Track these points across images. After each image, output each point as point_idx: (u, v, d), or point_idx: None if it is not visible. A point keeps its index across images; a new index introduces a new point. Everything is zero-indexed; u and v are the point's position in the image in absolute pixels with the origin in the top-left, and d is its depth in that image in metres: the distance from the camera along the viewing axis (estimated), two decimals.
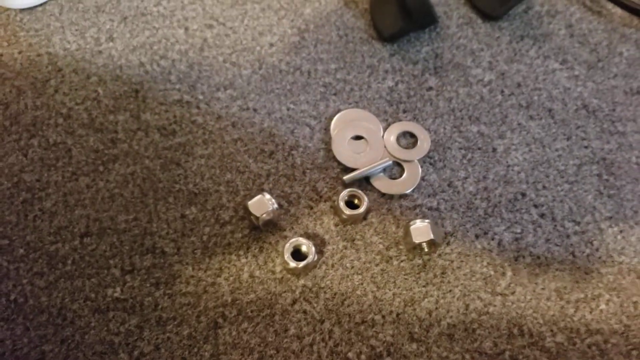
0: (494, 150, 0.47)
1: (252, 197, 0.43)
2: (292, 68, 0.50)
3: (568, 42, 0.51)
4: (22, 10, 0.51)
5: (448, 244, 0.45)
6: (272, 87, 0.49)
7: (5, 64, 0.49)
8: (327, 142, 0.47)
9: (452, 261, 0.44)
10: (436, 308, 0.43)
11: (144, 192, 0.45)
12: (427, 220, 0.43)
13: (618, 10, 0.53)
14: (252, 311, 0.42)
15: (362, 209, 0.44)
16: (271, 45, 0.51)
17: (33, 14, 0.51)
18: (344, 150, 0.47)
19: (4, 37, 0.50)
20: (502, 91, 0.49)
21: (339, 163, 0.47)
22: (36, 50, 0.50)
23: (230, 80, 0.49)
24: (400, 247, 0.44)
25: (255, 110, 0.48)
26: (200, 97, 0.48)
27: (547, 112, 0.49)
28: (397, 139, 0.48)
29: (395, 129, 0.48)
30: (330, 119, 0.48)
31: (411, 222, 0.43)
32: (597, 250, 0.45)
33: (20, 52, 0.50)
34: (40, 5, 0.51)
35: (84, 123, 0.47)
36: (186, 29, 0.51)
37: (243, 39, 0.51)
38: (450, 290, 0.43)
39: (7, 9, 0.51)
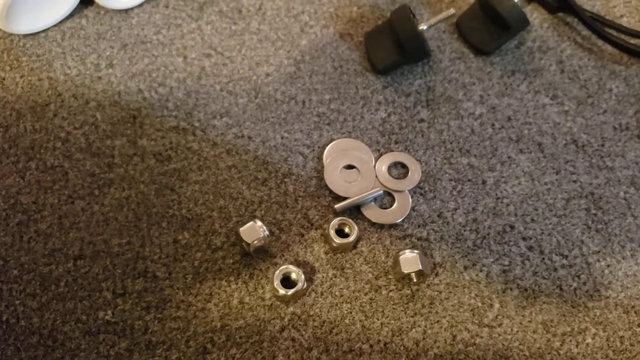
0: (484, 182, 0.48)
1: (244, 223, 0.44)
2: (287, 97, 0.51)
3: (559, 78, 0.52)
4: (25, 35, 0.52)
5: (437, 274, 0.45)
6: (267, 116, 0.50)
7: (7, 88, 0.50)
8: (320, 171, 0.48)
9: (441, 292, 0.45)
10: (424, 338, 0.43)
11: (138, 216, 0.46)
12: (416, 251, 0.44)
13: (608, 48, 0.54)
14: (240, 337, 0.43)
15: (352, 238, 0.45)
16: (267, 75, 0.52)
17: (35, 39, 0.52)
18: (336, 179, 0.48)
19: (7, 62, 0.51)
20: (493, 125, 0.50)
21: (331, 191, 0.47)
22: (37, 75, 0.51)
23: (227, 108, 0.50)
24: (389, 276, 0.45)
25: (250, 138, 0.49)
26: (197, 124, 0.49)
27: (537, 146, 0.50)
28: (389, 169, 0.48)
29: (387, 159, 0.49)
30: (323, 148, 0.49)
31: (400, 252, 0.44)
32: (584, 284, 0.45)
33: (21, 77, 0.51)
34: (43, 31, 0.52)
35: (82, 147, 0.48)
36: (185, 57, 0.52)
37: (240, 69, 0.52)
38: (437, 321, 0.44)
39: (11, 34, 0.52)
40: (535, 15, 0.55)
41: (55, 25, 0.53)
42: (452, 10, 0.50)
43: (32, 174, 0.47)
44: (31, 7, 0.51)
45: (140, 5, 0.54)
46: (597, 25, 0.54)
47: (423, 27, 0.50)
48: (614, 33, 0.54)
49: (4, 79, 0.51)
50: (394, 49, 0.51)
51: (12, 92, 0.50)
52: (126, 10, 0.54)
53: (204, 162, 0.48)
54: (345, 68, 0.52)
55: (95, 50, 0.52)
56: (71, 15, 0.53)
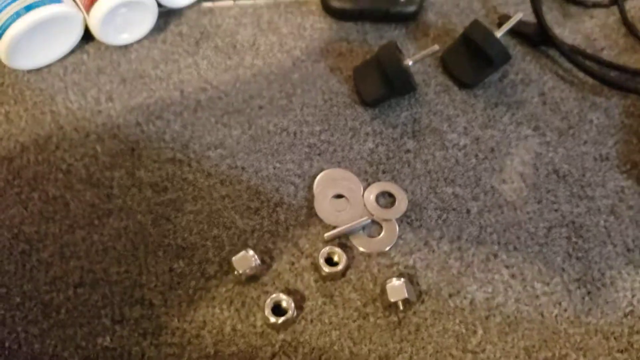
0: (468, 211, 0.50)
1: (237, 252, 0.46)
2: (279, 129, 0.53)
3: (540, 110, 0.54)
4: (29, 71, 0.55)
5: (422, 302, 0.47)
6: (260, 147, 0.52)
7: (11, 121, 0.52)
8: (310, 200, 0.50)
9: (426, 319, 0.46)
10: None
11: (135, 245, 0.48)
12: (402, 279, 0.45)
13: (589, 80, 0.56)
14: None
15: (340, 266, 0.47)
16: (260, 107, 0.54)
17: (39, 74, 0.55)
18: (326, 208, 0.50)
19: (12, 96, 0.53)
20: (477, 155, 0.52)
21: (321, 220, 0.49)
22: (40, 109, 0.53)
23: (221, 140, 0.52)
24: (377, 304, 0.47)
25: (243, 168, 0.51)
26: (192, 155, 0.51)
27: (519, 176, 0.52)
28: (377, 199, 0.50)
29: (375, 188, 0.51)
30: (314, 177, 0.51)
31: (387, 281, 0.46)
32: (565, 310, 0.47)
33: (25, 110, 0.53)
34: (46, 66, 0.55)
35: (82, 178, 0.50)
36: (181, 91, 0.54)
37: (234, 102, 0.54)
38: (423, 347, 0.45)
39: (15, 70, 0.54)
40: (518, 49, 0.57)
41: (58, 61, 0.55)
42: (436, 47, 0.52)
43: (35, 204, 0.49)
44: (35, 45, 0.53)
45: (139, 41, 0.56)
46: (577, 58, 0.56)
47: (408, 62, 0.52)
48: (595, 66, 0.56)
49: (8, 112, 0.53)
50: (382, 83, 0.53)
51: (16, 125, 0.52)
52: (125, 46, 0.56)
53: (198, 193, 0.50)
54: (335, 101, 0.54)
55: (95, 84, 0.54)
56: (73, 51, 0.56)
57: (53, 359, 0.44)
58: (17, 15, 0.50)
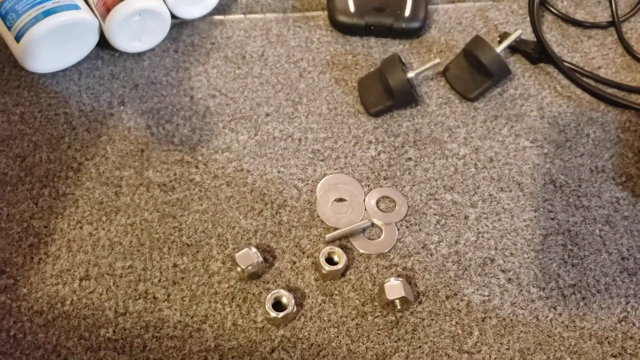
0: (466, 217, 0.51)
1: (240, 250, 0.47)
2: (284, 135, 0.55)
3: (539, 123, 0.56)
4: (45, 74, 0.57)
5: (420, 302, 0.48)
6: (265, 152, 0.54)
7: (26, 121, 0.54)
8: (312, 203, 0.51)
9: (423, 319, 0.47)
10: None
11: (141, 241, 0.49)
12: (400, 279, 0.46)
13: (586, 96, 0.58)
14: (233, 357, 0.45)
15: (340, 266, 0.48)
16: (267, 114, 0.56)
17: (54, 78, 0.57)
18: (328, 211, 0.51)
19: (27, 98, 0.55)
20: (476, 164, 0.54)
21: (322, 222, 0.51)
22: (54, 110, 0.55)
23: (228, 144, 0.54)
24: (375, 303, 0.47)
25: (248, 171, 0.53)
26: (200, 158, 0.53)
27: (517, 185, 0.53)
28: (377, 203, 0.52)
29: (376, 193, 0.52)
30: (317, 182, 0.52)
31: (385, 280, 0.47)
32: (560, 315, 0.48)
33: (40, 111, 0.55)
34: (62, 70, 0.57)
35: (92, 177, 0.52)
36: (191, 97, 0.56)
37: (242, 108, 0.56)
38: (420, 347, 0.46)
39: (32, 73, 0.57)
40: (518, 66, 0.59)
41: (73, 65, 0.57)
42: (437, 60, 0.54)
43: (45, 200, 0.51)
44: (52, 49, 0.55)
45: (152, 49, 0.59)
46: (575, 75, 0.58)
47: (411, 74, 0.54)
48: (592, 83, 0.58)
49: (23, 113, 0.55)
50: (385, 94, 0.55)
51: (30, 125, 0.54)
52: (139, 54, 0.58)
53: (204, 193, 0.52)
54: (340, 110, 0.56)
55: (108, 89, 0.57)
56: (88, 57, 0.58)
57: (57, 349, 0.45)
58: (36, 20, 0.52)
